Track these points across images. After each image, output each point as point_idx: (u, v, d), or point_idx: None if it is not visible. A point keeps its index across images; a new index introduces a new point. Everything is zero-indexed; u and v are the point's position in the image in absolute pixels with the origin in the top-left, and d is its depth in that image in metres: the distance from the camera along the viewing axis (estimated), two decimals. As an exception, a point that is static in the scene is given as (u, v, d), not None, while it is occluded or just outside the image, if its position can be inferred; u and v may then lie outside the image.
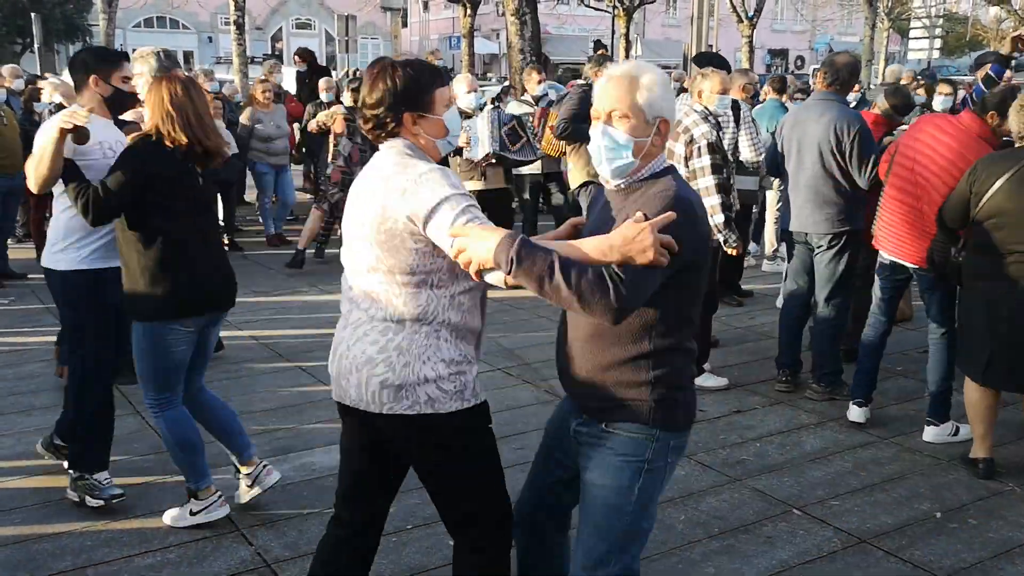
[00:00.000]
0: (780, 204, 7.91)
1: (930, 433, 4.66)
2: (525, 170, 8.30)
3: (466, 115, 7.44)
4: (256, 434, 4.57)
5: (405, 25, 46.30)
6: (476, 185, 7.53)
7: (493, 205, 7.72)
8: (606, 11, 24.16)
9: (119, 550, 3.50)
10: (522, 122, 7.46)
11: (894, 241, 4.67)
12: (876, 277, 4.91)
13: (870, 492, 4.08)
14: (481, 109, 7.65)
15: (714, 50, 17.82)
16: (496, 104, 7.81)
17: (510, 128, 7.34)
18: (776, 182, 7.80)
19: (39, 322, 6.60)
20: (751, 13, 23.74)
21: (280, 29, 42.48)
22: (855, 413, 4.84)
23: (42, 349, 5.94)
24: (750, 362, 5.91)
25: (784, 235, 5.73)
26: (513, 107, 8.57)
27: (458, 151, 7.43)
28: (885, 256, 4.79)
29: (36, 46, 19.07)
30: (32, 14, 19.32)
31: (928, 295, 4.67)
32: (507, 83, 13.77)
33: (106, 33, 17.06)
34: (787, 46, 49.67)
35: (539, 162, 8.14)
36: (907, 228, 4.59)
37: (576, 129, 6.79)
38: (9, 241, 8.41)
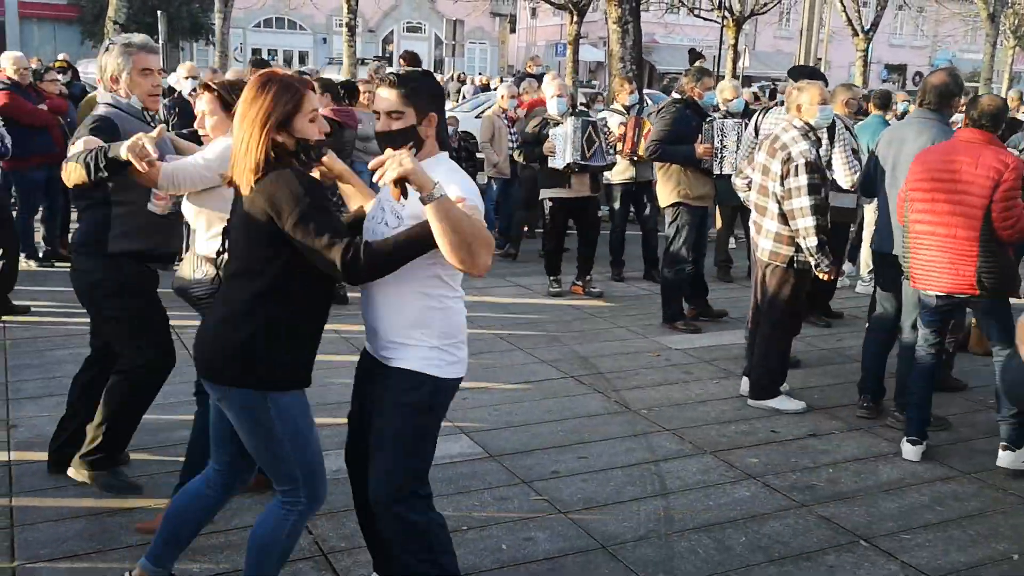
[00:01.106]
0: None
1: (1005, 459, 4.46)
2: (616, 178, 8.25)
3: (555, 122, 7.44)
4: (326, 426, 4.68)
5: (513, 31, 46.70)
6: (562, 193, 7.52)
7: (579, 213, 7.74)
8: (715, 21, 23.81)
9: (186, 529, 3.63)
10: (596, 126, 7.37)
11: (942, 275, 4.47)
12: (920, 320, 4.72)
13: (944, 528, 3.92)
14: (572, 115, 7.62)
15: (824, 64, 17.40)
16: (582, 112, 7.76)
17: (587, 135, 7.29)
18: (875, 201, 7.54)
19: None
20: (867, 26, 23.05)
21: (391, 32, 43.35)
22: (909, 451, 4.64)
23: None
24: (832, 385, 5.74)
25: (875, 256, 5.54)
26: (604, 115, 8.55)
27: (544, 159, 7.43)
28: (928, 294, 4.59)
29: (161, 43, 19.97)
30: (158, 12, 20.24)
31: (985, 319, 4.49)
32: (594, 90, 13.72)
33: (221, 32, 17.71)
34: (905, 61, 48.03)
35: (632, 170, 8.08)
36: (952, 257, 4.42)
37: (666, 151, 6.71)
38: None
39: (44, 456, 4.19)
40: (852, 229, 8.08)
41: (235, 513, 3.75)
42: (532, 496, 4.03)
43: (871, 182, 5.37)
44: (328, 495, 3.95)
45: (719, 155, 6.74)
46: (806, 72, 6.78)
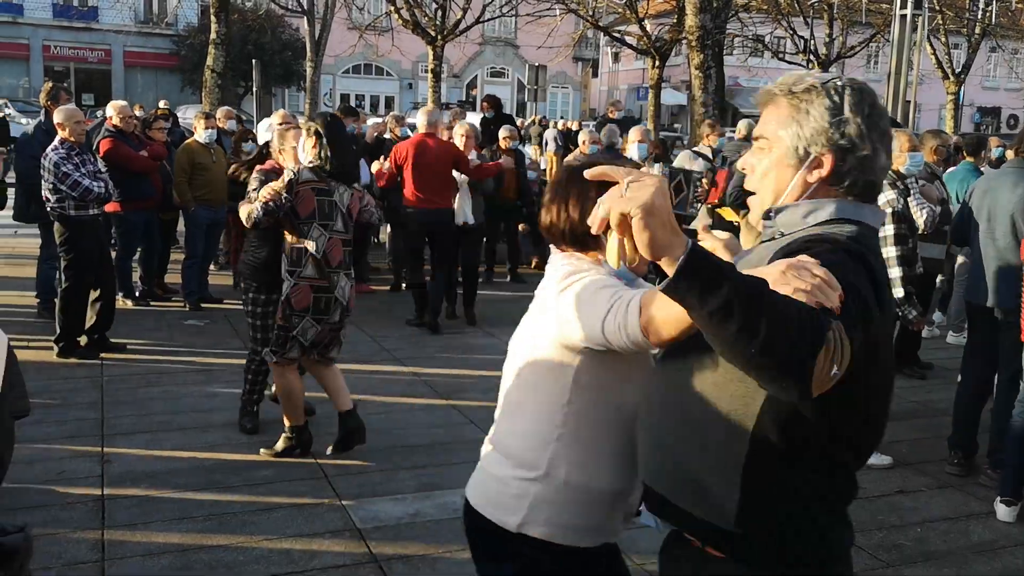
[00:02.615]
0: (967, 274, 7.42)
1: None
2: (695, 225, 8.22)
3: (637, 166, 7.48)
4: (403, 469, 4.75)
5: (595, 75, 47.04)
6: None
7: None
8: (800, 64, 23.60)
9: (266, 568, 3.71)
10: (688, 176, 7.39)
11: None
12: None
13: (1042, 594, 3.75)
14: (656, 161, 7.66)
15: (913, 107, 17.01)
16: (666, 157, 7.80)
17: (676, 183, 7.30)
18: (966, 250, 7.31)
19: (228, 345, 7.11)
20: (959, 69, 22.56)
21: (475, 77, 44.15)
22: (1003, 512, 4.44)
23: (226, 370, 6.40)
24: (920, 439, 5.56)
25: (968, 307, 5.37)
26: (682, 159, 8.56)
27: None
28: None
29: (255, 89, 20.70)
30: (253, 60, 21.02)
31: None
32: (676, 134, 13.68)
33: (311, 79, 18.29)
34: (999, 104, 46.65)
35: (708, 220, 8.02)
36: None
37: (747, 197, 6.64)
38: (211, 268, 9.15)
39: (136, 491, 4.35)
40: (941, 279, 7.85)
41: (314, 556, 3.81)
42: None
43: (963, 231, 5.23)
44: (406, 538, 4.00)
45: None
46: None
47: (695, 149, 8.66)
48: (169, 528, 4.02)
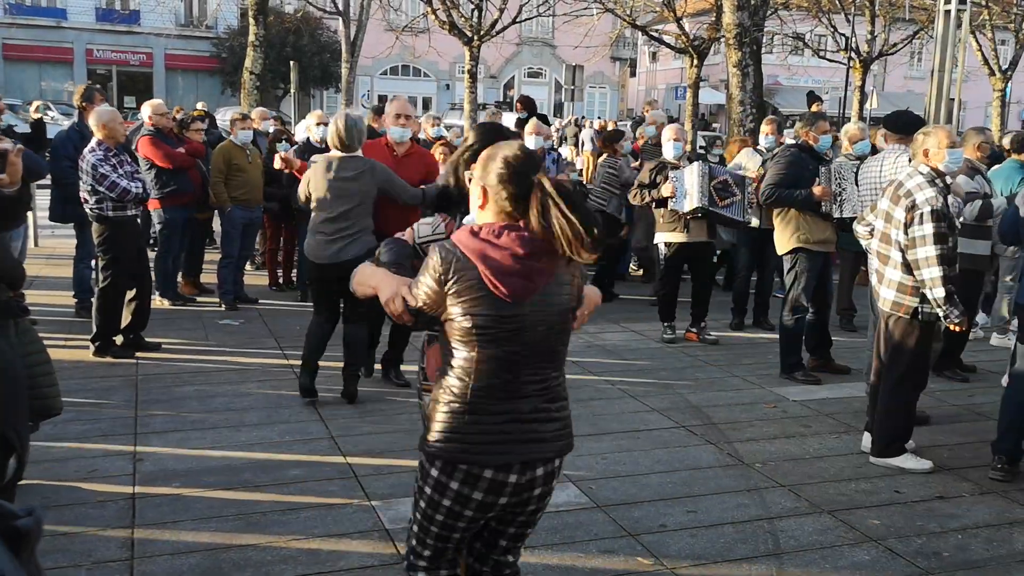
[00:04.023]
0: (1015, 274, 7.24)
1: None
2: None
3: (673, 166, 7.40)
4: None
5: (633, 75, 46.82)
6: (679, 237, 7.43)
7: (695, 258, 7.63)
8: (840, 63, 23.27)
9: (294, 568, 3.70)
10: (741, 180, 7.30)
11: None
12: None
13: (1088, 606, 3.62)
14: (689, 160, 7.57)
15: (958, 104, 16.67)
16: (704, 157, 7.71)
17: (721, 182, 7.20)
18: (1011, 250, 7.14)
19: (262, 344, 7.15)
20: (1005, 66, 22.09)
21: (512, 77, 44.16)
22: None
23: (260, 370, 6.44)
24: (962, 444, 5.42)
25: (1017, 309, 5.21)
26: (743, 156, 8.48)
27: (663, 201, 7.38)
28: None
29: (293, 91, 20.86)
30: (291, 62, 21.20)
31: None
32: (715, 134, 13.55)
33: (347, 80, 18.38)
34: (1048, 100, 45.61)
35: (758, 215, 7.91)
36: None
37: (782, 195, 6.55)
38: (247, 268, 9.21)
39: (167, 490, 4.37)
40: (990, 278, 7.67)
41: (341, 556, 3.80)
42: (638, 549, 3.94)
43: (1013, 230, 5.09)
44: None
45: (838, 198, 6.54)
46: (905, 122, 6.49)
47: (756, 148, 8.62)
48: (198, 527, 4.03)
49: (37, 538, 1.30)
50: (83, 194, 6.56)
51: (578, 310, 2.58)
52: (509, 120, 14.79)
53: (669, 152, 7.47)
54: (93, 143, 6.52)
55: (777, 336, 6.92)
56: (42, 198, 8.97)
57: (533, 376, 2.44)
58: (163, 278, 8.26)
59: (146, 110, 8.31)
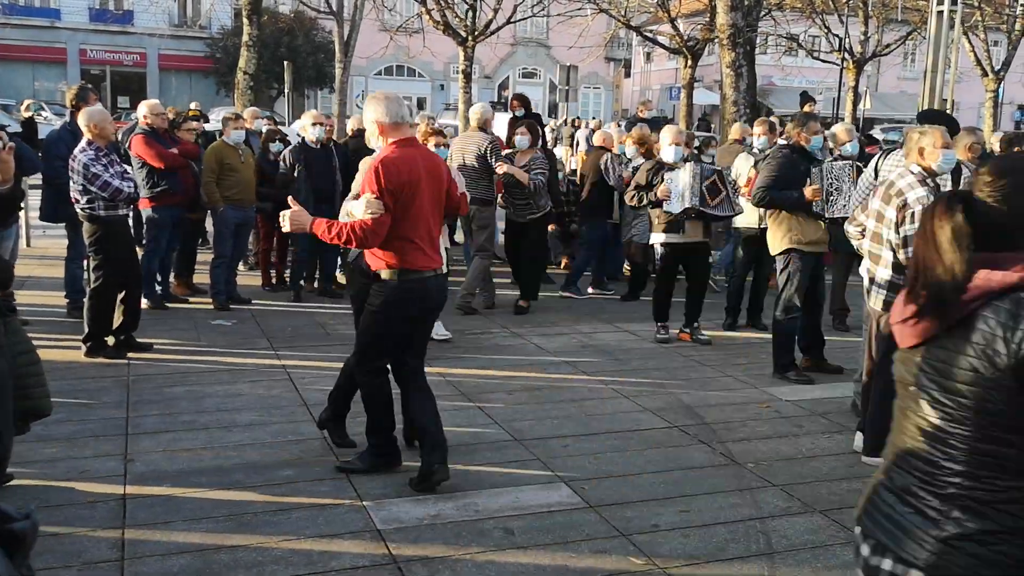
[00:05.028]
0: None
1: None
2: (741, 224, 8.12)
3: (669, 167, 7.39)
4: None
5: (628, 75, 46.85)
6: (673, 238, 7.43)
7: (690, 259, 7.63)
8: (834, 63, 23.32)
9: (285, 568, 3.69)
10: (723, 176, 7.31)
11: None
12: None
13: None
14: (684, 162, 7.57)
15: (951, 105, 16.74)
16: (697, 157, 7.71)
17: (711, 182, 7.20)
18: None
19: (255, 345, 7.14)
20: (998, 66, 22.16)
21: (507, 78, 44.15)
22: None
23: (253, 370, 6.42)
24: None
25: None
26: (741, 160, 8.51)
27: (658, 203, 7.37)
28: None
29: (287, 91, 20.84)
30: (285, 62, 21.15)
31: None
32: (709, 134, 13.58)
33: (341, 80, 18.37)
34: (1041, 101, 45.80)
35: (758, 214, 7.90)
36: None
37: (774, 197, 6.55)
38: (240, 268, 9.19)
39: (158, 490, 4.35)
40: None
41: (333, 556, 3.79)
42: (630, 549, 3.93)
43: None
44: (426, 540, 3.96)
45: (830, 198, 6.55)
46: (937, 118, 6.51)
47: (752, 152, 8.65)
48: (190, 528, 4.02)
49: (33, 541, 1.29)
50: (74, 194, 6.53)
51: None
52: (502, 120, 14.79)
53: (668, 156, 7.46)
54: (83, 143, 6.50)
55: (770, 336, 6.93)
56: (34, 198, 8.92)
57: None
58: (147, 278, 8.16)
59: (142, 109, 8.29)
